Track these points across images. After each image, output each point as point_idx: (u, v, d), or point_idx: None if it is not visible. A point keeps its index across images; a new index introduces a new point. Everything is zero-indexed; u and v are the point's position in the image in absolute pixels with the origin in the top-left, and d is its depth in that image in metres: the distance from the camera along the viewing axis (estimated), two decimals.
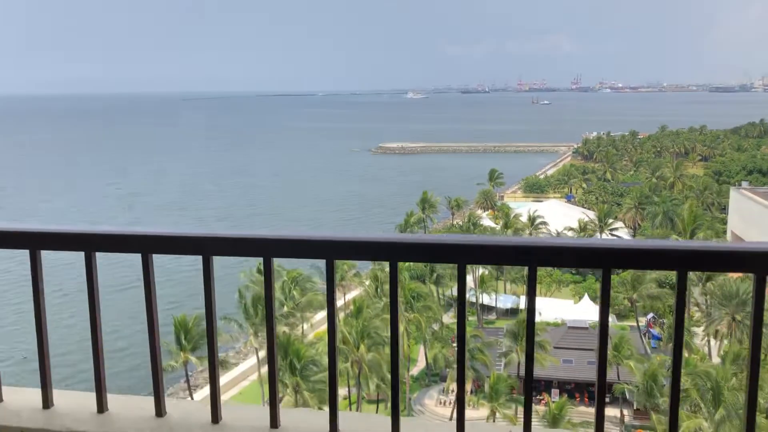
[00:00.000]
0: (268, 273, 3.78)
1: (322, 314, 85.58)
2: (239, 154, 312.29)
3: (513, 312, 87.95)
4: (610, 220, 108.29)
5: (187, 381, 58.58)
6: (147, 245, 3.98)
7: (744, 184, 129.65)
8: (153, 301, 4.11)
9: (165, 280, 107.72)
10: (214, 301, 4.03)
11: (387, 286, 68.50)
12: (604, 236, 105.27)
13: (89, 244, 4.04)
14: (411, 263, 79.90)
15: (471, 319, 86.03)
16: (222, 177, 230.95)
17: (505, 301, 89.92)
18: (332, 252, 3.66)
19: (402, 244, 3.70)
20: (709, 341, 68.92)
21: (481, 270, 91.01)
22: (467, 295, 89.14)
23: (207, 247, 3.87)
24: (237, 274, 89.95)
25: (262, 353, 63.28)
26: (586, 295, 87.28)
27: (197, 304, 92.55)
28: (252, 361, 70.59)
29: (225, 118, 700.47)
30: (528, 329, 3.71)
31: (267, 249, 3.72)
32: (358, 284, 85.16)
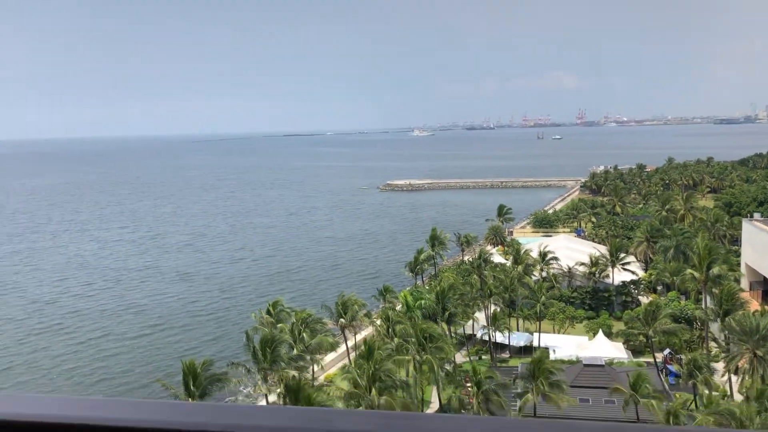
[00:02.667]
0: None
1: (332, 356, 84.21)
2: (250, 194, 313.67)
3: (527, 350, 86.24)
4: (622, 255, 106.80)
5: None
6: None
7: (756, 215, 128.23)
8: None
9: (182, 323, 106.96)
10: None
11: (399, 326, 67.59)
12: (616, 271, 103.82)
13: None
14: (424, 301, 78.95)
15: (484, 358, 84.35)
16: (235, 217, 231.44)
17: (518, 339, 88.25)
18: None
19: None
20: (729, 378, 67.02)
21: (493, 307, 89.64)
22: (479, 334, 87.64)
23: None
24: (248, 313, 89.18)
25: (272, 398, 61.81)
26: (600, 332, 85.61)
27: (214, 348, 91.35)
28: (262, 404, 69.15)
29: (233, 159, 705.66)
30: None
31: None
32: (369, 324, 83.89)
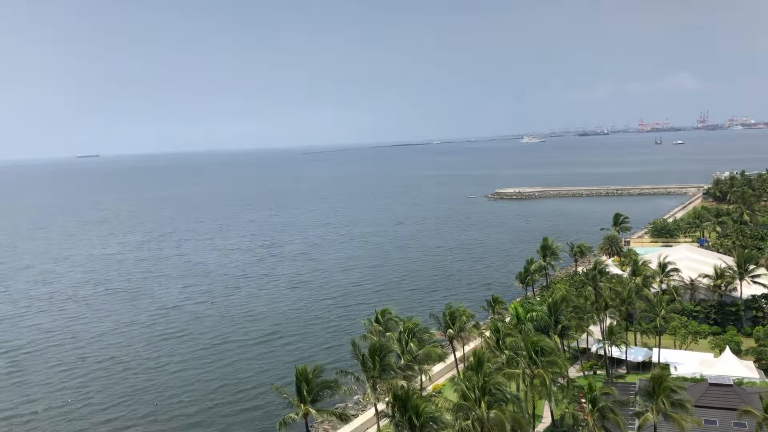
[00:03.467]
0: None
1: (440, 366, 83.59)
2: (359, 204, 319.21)
3: (645, 366, 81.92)
4: (751, 266, 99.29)
5: None
6: None
7: None
8: None
9: (296, 330, 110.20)
10: None
11: (509, 339, 66.01)
12: (744, 284, 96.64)
13: None
14: (535, 313, 76.78)
15: (600, 373, 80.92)
16: (346, 227, 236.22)
17: (636, 354, 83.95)
18: None
19: None
20: None
21: (609, 320, 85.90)
22: (594, 348, 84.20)
23: None
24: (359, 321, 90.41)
25: (381, 406, 62.07)
26: (727, 348, 79.85)
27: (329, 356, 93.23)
28: (371, 412, 69.56)
29: (343, 170, 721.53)
30: None
31: None
32: (477, 335, 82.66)
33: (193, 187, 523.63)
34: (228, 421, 76.05)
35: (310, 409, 53.94)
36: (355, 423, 69.43)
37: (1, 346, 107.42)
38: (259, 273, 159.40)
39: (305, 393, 54.16)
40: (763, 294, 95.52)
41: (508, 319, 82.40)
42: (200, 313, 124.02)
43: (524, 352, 61.32)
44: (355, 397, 77.78)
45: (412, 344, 66.71)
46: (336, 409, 62.27)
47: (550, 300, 76.97)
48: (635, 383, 69.38)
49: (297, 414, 53.49)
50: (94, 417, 78.34)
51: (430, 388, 77.37)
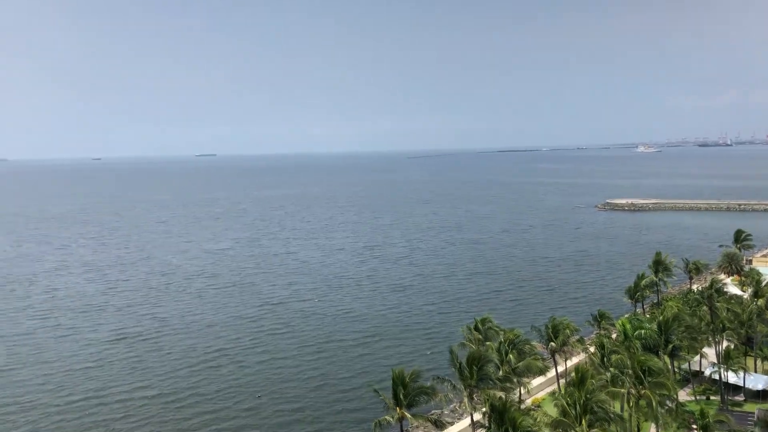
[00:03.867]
0: None
1: (541, 380, 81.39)
2: (462, 210, 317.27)
3: (765, 395, 76.17)
4: None
5: None
6: None
7: None
8: None
9: (395, 333, 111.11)
10: None
11: (615, 356, 63.30)
12: None
13: None
14: (644, 330, 73.26)
15: (713, 399, 76.02)
16: (448, 232, 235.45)
17: (755, 382, 78.23)
18: None
19: None
20: None
21: (726, 343, 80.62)
22: (708, 371, 79.30)
23: None
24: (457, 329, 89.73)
25: (477, 416, 61.24)
26: None
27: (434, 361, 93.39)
28: (467, 421, 68.71)
29: (447, 175, 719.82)
30: None
31: None
32: (581, 350, 79.93)
33: (301, 188, 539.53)
34: (328, 419, 77.62)
35: (406, 413, 54.04)
36: (451, 431, 68.83)
37: (121, 333, 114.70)
38: (361, 274, 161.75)
39: (401, 397, 54.32)
40: None
41: (614, 336, 79.18)
42: (304, 310, 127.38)
43: (630, 371, 58.62)
44: (451, 405, 77.13)
45: (511, 355, 65.44)
46: (431, 415, 61.89)
47: (661, 318, 73.12)
48: (754, 413, 64.79)
49: (392, 417, 53.73)
50: (201, 406, 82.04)
51: (528, 402, 75.58)
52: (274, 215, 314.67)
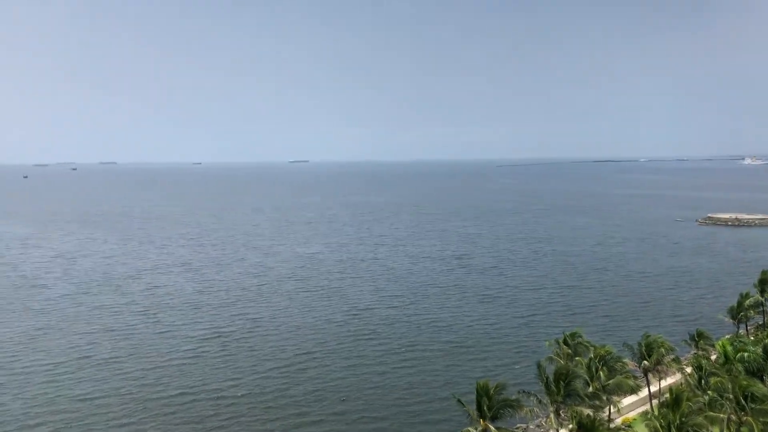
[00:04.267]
0: None
1: (632, 399, 78.41)
2: (554, 220, 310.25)
3: None
4: None
5: None
6: None
7: None
8: None
9: (480, 344, 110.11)
10: None
11: (714, 379, 60.22)
12: None
13: None
14: (747, 353, 69.33)
15: None
16: (538, 243, 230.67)
17: None
18: None
19: None
20: None
21: None
22: None
23: None
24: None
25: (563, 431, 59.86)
26: None
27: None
28: None
29: (539, 184, 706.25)
30: None
31: None
32: (676, 370, 76.48)
33: (389, 195, 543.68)
34: (411, 429, 77.39)
35: (490, 426, 53.46)
36: None
37: (215, 331, 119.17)
38: (448, 283, 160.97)
39: (485, 408, 53.79)
40: None
41: (713, 357, 75.29)
42: (390, 317, 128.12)
43: (731, 396, 55.60)
44: (537, 420, 75.57)
45: (602, 372, 63.44)
46: (516, 429, 60.98)
47: (767, 341, 68.94)
48: None
49: (476, 429, 53.28)
50: (288, 408, 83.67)
51: (618, 421, 72.96)
52: (362, 221, 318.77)
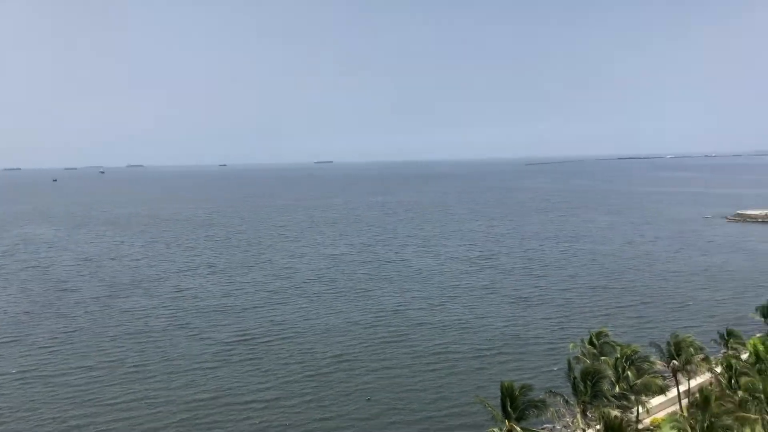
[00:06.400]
0: None
1: (660, 399, 77.67)
2: (581, 219, 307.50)
3: None
4: None
5: None
6: None
7: None
8: None
9: (508, 346, 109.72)
10: None
11: (745, 379, 59.51)
12: None
13: None
14: None
15: None
16: (566, 242, 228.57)
17: None
18: None
19: None
20: None
21: None
22: None
23: None
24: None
25: None
26: None
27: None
28: None
29: (565, 183, 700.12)
30: None
31: None
32: (706, 370, 75.58)
33: (415, 194, 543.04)
34: None
35: (515, 426, 53.45)
36: None
37: (243, 334, 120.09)
38: (476, 284, 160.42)
39: (510, 409, 53.80)
40: None
41: (744, 357, 74.31)
42: (418, 318, 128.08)
43: (763, 396, 54.95)
44: (564, 421, 75.20)
45: (629, 372, 63.02)
46: (542, 429, 60.83)
47: None
48: None
49: (501, 430, 53.32)
50: (316, 412, 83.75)
51: (646, 422, 72.38)
52: (387, 221, 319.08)
